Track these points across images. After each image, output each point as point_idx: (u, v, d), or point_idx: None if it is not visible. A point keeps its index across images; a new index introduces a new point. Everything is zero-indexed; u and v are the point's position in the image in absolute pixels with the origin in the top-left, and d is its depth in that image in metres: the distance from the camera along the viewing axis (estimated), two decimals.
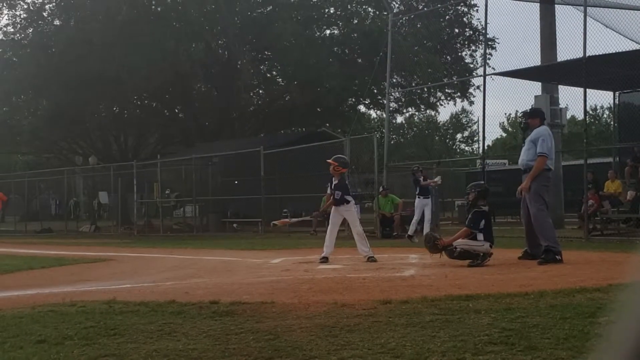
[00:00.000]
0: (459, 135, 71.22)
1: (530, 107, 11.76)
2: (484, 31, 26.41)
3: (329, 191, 12.43)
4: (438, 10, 33.48)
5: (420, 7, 34.56)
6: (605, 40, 18.62)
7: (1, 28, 34.94)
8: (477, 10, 34.24)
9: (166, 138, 43.70)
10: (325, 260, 11.82)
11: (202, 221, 29.58)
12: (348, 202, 12.26)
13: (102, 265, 13.90)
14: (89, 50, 29.78)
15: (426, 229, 17.79)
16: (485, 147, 21.45)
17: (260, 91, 40.92)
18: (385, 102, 27.59)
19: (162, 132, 42.74)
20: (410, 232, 18.30)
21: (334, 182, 12.25)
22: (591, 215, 17.77)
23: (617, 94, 22.62)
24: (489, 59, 30.52)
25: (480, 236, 10.51)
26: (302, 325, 5.70)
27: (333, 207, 12.36)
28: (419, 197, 18.28)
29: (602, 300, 6.40)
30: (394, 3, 34.04)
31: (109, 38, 29.39)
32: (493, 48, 33.36)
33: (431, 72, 33.87)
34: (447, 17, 35.52)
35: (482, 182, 13.47)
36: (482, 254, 10.35)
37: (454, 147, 70.14)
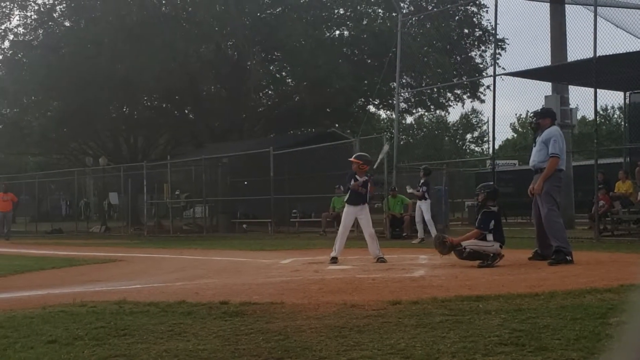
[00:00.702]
0: (468, 136, 71.14)
1: (540, 108, 11.72)
2: (493, 31, 26.41)
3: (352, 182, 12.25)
4: (447, 11, 33.42)
5: (430, 7, 34.51)
6: (615, 40, 18.63)
7: (12, 29, 35.05)
8: (487, 10, 34.23)
9: (176, 139, 43.79)
10: (334, 260, 11.82)
11: (211, 222, 29.62)
12: (365, 202, 12.25)
13: (112, 265, 13.94)
14: (99, 52, 29.87)
15: (431, 231, 17.84)
16: (496, 148, 21.36)
17: (270, 92, 40.93)
18: (394, 102, 27.58)
19: (172, 133, 42.82)
20: (420, 235, 18.30)
21: (362, 179, 12.14)
22: (602, 215, 17.71)
23: (627, 94, 22.54)
24: (499, 59, 30.50)
25: (489, 237, 10.48)
26: (312, 325, 5.70)
27: (348, 207, 12.27)
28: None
29: (613, 301, 6.38)
30: (403, 4, 34.03)
31: (119, 39, 29.47)
32: (503, 48, 33.33)
33: (441, 73, 33.81)
34: (457, 17, 35.44)
35: (492, 182, 13.43)
36: (492, 255, 10.31)
37: (464, 147, 69.98)
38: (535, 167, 10.83)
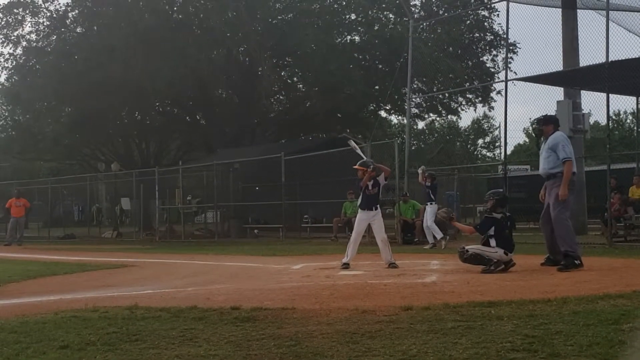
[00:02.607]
0: (480, 141, 70.98)
1: (543, 115, 11.73)
2: (505, 36, 26.34)
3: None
4: (459, 16, 33.36)
5: (441, 12, 34.47)
6: (628, 45, 18.50)
7: (24, 36, 35.21)
8: (498, 15, 34.15)
9: (188, 144, 43.86)
10: (346, 266, 11.84)
11: (223, 227, 29.64)
12: (377, 207, 12.29)
13: (124, 271, 13.97)
14: (111, 58, 29.96)
15: (428, 238, 17.82)
16: (507, 153, 21.29)
17: (281, 97, 40.95)
18: (406, 107, 27.56)
19: (183, 139, 42.91)
20: (430, 240, 18.28)
21: (370, 182, 12.20)
22: (614, 219, 17.59)
23: None
24: (511, 63, 30.41)
25: (492, 242, 10.46)
26: (323, 331, 5.71)
27: (361, 212, 12.33)
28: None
29: (626, 307, 6.36)
30: (415, 9, 34.01)
31: (131, 45, 29.55)
32: (514, 52, 33.24)
33: (452, 78, 33.74)
34: (468, 22, 35.38)
35: (502, 189, 13.43)
36: (495, 260, 10.28)
37: (475, 152, 69.85)
38: (546, 174, 10.80)
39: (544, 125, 11.11)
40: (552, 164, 10.64)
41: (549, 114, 11.69)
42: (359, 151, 13.22)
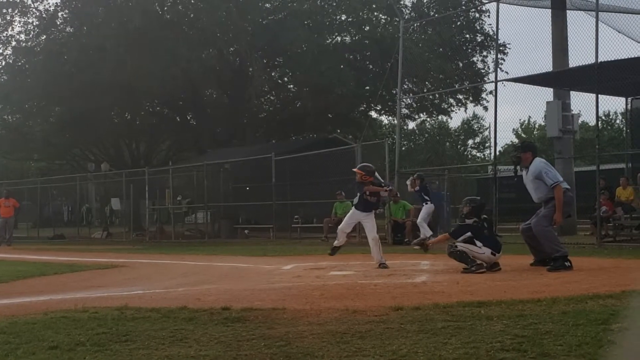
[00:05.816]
0: (470, 141, 71.05)
1: (521, 142, 11.81)
2: (495, 37, 26.42)
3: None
4: (449, 17, 33.43)
5: (432, 13, 34.54)
6: (617, 46, 18.62)
7: (14, 36, 35.03)
8: (488, 16, 34.25)
9: (178, 144, 43.78)
10: (336, 250, 11.89)
11: (213, 227, 29.60)
12: (370, 210, 12.31)
13: (114, 271, 13.93)
14: (101, 58, 29.87)
15: (421, 234, 17.84)
16: (497, 153, 21.32)
17: (272, 97, 40.94)
18: (396, 108, 27.60)
19: (174, 139, 42.83)
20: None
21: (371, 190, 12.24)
22: (604, 220, 17.66)
23: (629, 99, 22.53)
24: (501, 64, 30.50)
25: (478, 243, 10.48)
26: (314, 331, 5.71)
27: (354, 210, 12.38)
28: None
29: (615, 307, 6.38)
30: (405, 10, 34.06)
31: (122, 45, 29.47)
32: (504, 53, 33.34)
33: (443, 78, 33.81)
34: (459, 22, 35.45)
35: (479, 197, 13.34)
36: (478, 263, 10.31)
37: (465, 153, 69.92)
38: (541, 201, 10.86)
39: (522, 153, 11.15)
40: (544, 192, 10.68)
41: (527, 141, 11.80)
42: (377, 175, 13.25)
